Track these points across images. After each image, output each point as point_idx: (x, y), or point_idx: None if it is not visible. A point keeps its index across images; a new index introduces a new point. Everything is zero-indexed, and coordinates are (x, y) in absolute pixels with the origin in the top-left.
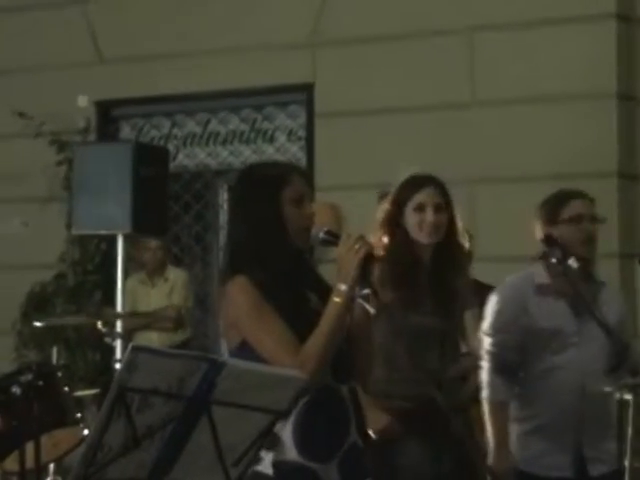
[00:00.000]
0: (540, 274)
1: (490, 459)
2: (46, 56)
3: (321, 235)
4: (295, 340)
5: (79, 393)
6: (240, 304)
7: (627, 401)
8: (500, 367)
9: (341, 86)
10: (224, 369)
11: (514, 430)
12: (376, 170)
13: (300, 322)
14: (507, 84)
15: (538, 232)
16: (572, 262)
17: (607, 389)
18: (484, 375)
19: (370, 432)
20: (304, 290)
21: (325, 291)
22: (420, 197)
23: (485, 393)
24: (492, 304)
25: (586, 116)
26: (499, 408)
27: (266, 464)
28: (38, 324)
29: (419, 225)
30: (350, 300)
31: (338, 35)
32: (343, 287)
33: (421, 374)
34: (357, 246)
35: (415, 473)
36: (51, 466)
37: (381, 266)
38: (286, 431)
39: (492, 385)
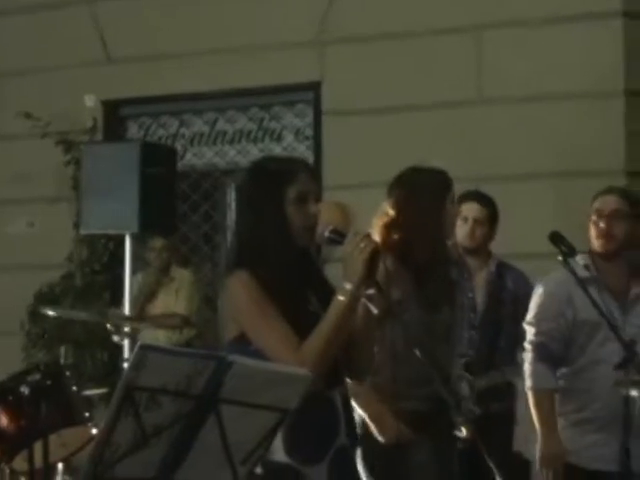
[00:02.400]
0: (581, 269)
1: (537, 448)
2: (53, 56)
3: (327, 234)
4: (295, 337)
5: (87, 392)
6: (241, 298)
7: (634, 398)
8: (544, 356)
9: (348, 85)
10: (232, 368)
11: (559, 424)
12: (384, 168)
13: (296, 322)
14: (514, 82)
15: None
16: (579, 259)
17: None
18: (527, 365)
19: (381, 440)
20: (306, 290)
21: (328, 293)
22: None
23: (529, 382)
24: (537, 296)
25: (593, 114)
26: (545, 396)
27: None
28: (50, 312)
29: None
30: (355, 300)
31: (345, 34)
32: (348, 286)
33: (431, 372)
34: (363, 245)
35: (427, 474)
36: (60, 465)
37: (390, 263)
38: None
39: (536, 374)
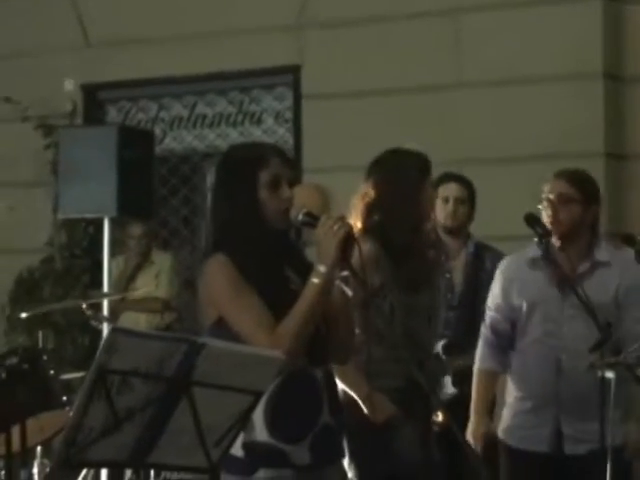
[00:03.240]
0: (536, 248)
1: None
2: (32, 40)
3: (300, 217)
4: (271, 319)
5: (66, 376)
6: (218, 282)
7: (609, 380)
8: (489, 338)
9: (328, 68)
10: (204, 350)
11: (506, 403)
12: (363, 152)
13: (278, 303)
14: (493, 65)
15: None
16: (555, 240)
17: (588, 367)
18: (478, 350)
19: (371, 418)
20: (285, 271)
21: (309, 272)
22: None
23: (475, 365)
24: (495, 279)
25: (573, 96)
26: (483, 376)
27: (236, 446)
28: (24, 315)
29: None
30: (329, 282)
31: (325, 17)
32: (322, 268)
33: (408, 355)
34: (336, 228)
35: (409, 457)
36: (38, 449)
37: (371, 246)
38: (257, 412)
39: (481, 355)
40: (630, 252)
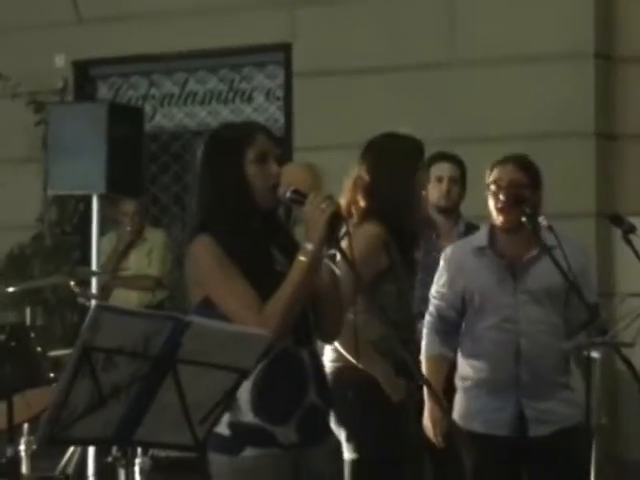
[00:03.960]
0: (480, 237)
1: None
2: (23, 16)
3: (288, 194)
4: (257, 299)
5: (53, 353)
6: (204, 262)
7: (595, 359)
8: (438, 326)
9: (319, 46)
10: (189, 328)
11: (458, 388)
12: (354, 130)
13: (264, 282)
14: (486, 44)
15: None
16: (542, 220)
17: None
18: (423, 339)
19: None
20: (271, 251)
21: (296, 252)
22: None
23: (424, 353)
24: (440, 265)
25: (564, 76)
26: (434, 362)
27: (222, 425)
28: (11, 289)
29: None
30: (317, 260)
31: None
32: (310, 246)
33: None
34: (324, 205)
35: (413, 439)
36: (25, 426)
37: (380, 229)
38: (243, 392)
39: (429, 342)
40: (573, 236)
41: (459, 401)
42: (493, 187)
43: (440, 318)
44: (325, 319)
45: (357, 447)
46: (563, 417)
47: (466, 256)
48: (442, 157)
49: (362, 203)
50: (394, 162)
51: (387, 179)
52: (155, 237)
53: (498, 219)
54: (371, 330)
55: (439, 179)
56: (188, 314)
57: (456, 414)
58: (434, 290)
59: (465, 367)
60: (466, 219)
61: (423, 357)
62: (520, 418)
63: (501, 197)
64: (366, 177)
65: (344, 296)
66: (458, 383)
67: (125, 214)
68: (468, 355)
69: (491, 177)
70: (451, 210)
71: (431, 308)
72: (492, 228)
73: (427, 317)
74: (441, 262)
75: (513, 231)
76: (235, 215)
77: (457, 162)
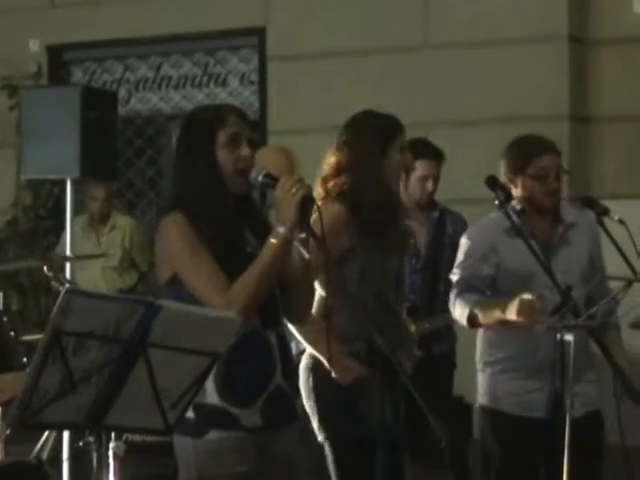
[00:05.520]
0: (504, 219)
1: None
2: None
3: (260, 178)
4: (225, 279)
5: (27, 337)
6: (173, 240)
7: (569, 342)
8: (464, 289)
9: (293, 30)
10: (160, 312)
11: (487, 372)
12: (329, 113)
13: (233, 263)
14: (460, 27)
15: (502, 175)
16: (515, 204)
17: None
18: (451, 306)
19: (338, 379)
20: (243, 233)
21: (269, 235)
22: None
23: (462, 319)
24: (463, 245)
25: (538, 59)
26: (480, 307)
27: None
28: None
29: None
30: (287, 243)
31: None
32: (281, 229)
33: (383, 316)
34: (295, 189)
35: (376, 420)
36: None
37: (342, 208)
38: None
39: (458, 304)
40: (587, 211)
41: (486, 384)
42: (541, 172)
43: (469, 286)
44: (294, 302)
45: (320, 430)
46: (594, 399)
47: (498, 236)
48: (426, 153)
49: (327, 182)
50: (367, 138)
51: (359, 155)
52: (124, 223)
53: (547, 202)
54: (340, 314)
55: (424, 178)
56: (159, 297)
57: (484, 397)
58: (460, 267)
59: (495, 350)
60: (441, 204)
61: (467, 323)
62: (554, 399)
63: (552, 183)
64: (339, 154)
65: (314, 273)
66: (487, 369)
67: (94, 199)
68: (502, 338)
69: (536, 164)
70: (429, 203)
71: (457, 278)
72: (523, 209)
73: (454, 289)
74: (464, 242)
75: (545, 212)
76: (206, 197)
77: (440, 156)
